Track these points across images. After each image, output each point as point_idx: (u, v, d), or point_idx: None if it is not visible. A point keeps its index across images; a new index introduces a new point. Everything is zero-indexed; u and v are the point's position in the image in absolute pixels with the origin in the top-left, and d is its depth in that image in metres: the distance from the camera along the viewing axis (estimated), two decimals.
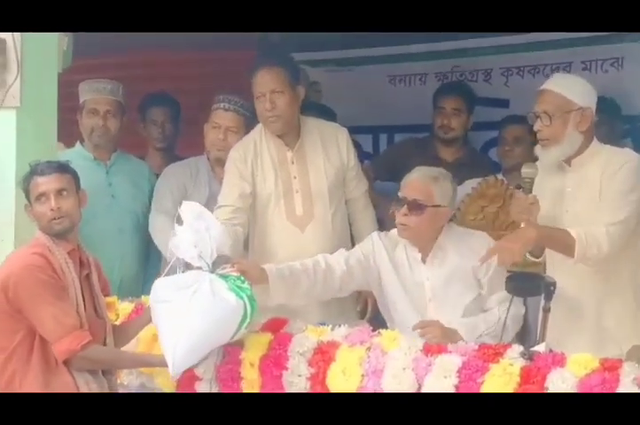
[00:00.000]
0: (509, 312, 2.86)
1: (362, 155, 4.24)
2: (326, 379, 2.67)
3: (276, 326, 2.86)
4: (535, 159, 3.09)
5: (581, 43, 4.35)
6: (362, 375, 2.63)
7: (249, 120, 3.69)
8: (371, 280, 3.19)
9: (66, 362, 2.65)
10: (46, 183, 2.73)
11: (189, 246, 2.68)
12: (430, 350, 2.62)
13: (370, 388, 2.61)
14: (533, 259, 3.07)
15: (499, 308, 3.01)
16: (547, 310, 2.75)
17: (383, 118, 4.90)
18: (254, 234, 3.52)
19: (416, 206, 3.06)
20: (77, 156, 3.61)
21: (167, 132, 4.27)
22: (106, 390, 2.72)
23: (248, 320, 2.69)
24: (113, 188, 3.83)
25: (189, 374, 2.79)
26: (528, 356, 2.52)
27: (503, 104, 4.64)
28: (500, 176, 3.88)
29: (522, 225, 2.89)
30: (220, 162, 3.70)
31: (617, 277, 3.00)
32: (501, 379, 2.47)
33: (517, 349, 2.56)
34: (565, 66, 4.46)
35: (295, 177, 3.50)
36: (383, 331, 2.75)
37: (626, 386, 2.35)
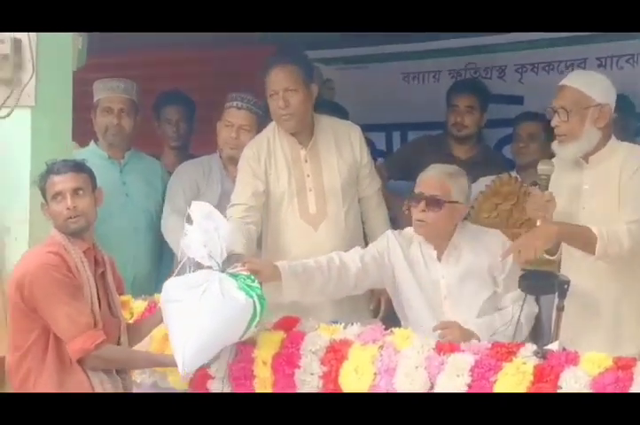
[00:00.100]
0: (522, 310, 2.86)
1: (375, 153, 4.24)
2: (339, 377, 2.67)
3: (288, 324, 2.86)
4: (549, 156, 3.08)
5: (596, 40, 4.33)
6: (375, 374, 2.63)
7: (262, 119, 3.69)
8: (386, 277, 3.19)
9: (79, 361, 2.66)
10: (62, 182, 2.74)
11: (199, 246, 2.69)
12: (443, 348, 2.61)
13: (382, 386, 2.61)
14: (548, 257, 3.05)
15: (513, 307, 3.00)
16: (561, 308, 2.74)
17: (396, 115, 4.90)
18: (268, 232, 3.52)
19: (434, 202, 3.06)
20: (91, 155, 3.61)
21: (181, 131, 4.28)
22: (121, 389, 2.74)
23: (258, 318, 2.69)
24: (127, 186, 3.85)
25: (201, 373, 2.80)
26: (542, 355, 2.51)
27: (518, 100, 4.63)
28: (514, 174, 3.87)
29: (538, 222, 2.88)
30: (232, 160, 3.71)
31: (635, 276, 2.98)
32: (514, 378, 2.46)
33: (530, 347, 2.55)
34: (580, 63, 4.44)
35: (309, 175, 3.50)
36: (395, 330, 2.75)
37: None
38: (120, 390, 2.73)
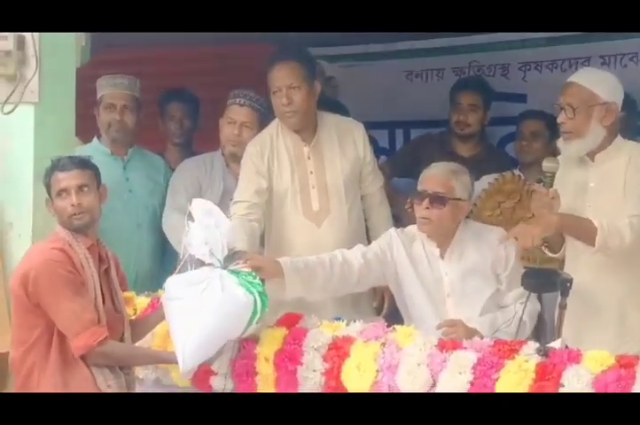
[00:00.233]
0: (525, 308, 2.86)
1: (378, 150, 4.24)
2: (341, 374, 2.68)
3: (290, 321, 2.87)
4: (552, 154, 3.07)
5: (600, 38, 4.32)
6: (377, 371, 2.64)
7: (264, 116, 3.69)
8: (389, 275, 3.20)
9: (82, 357, 2.66)
10: (67, 179, 2.74)
11: (200, 243, 2.69)
12: (445, 346, 2.62)
13: (384, 383, 2.61)
14: (550, 255, 3.06)
15: (516, 305, 3.00)
16: (563, 306, 2.74)
17: (399, 113, 4.90)
18: (271, 229, 3.52)
19: (437, 199, 3.06)
20: (94, 151, 3.62)
21: (185, 127, 4.28)
22: (124, 385, 2.74)
23: (259, 315, 2.69)
24: (130, 183, 3.85)
25: (204, 369, 2.80)
26: (544, 352, 2.51)
27: (521, 98, 4.62)
28: (517, 171, 3.87)
29: None
30: (235, 157, 3.71)
31: (638, 274, 2.98)
32: (516, 375, 2.46)
33: (532, 345, 2.55)
34: (584, 61, 4.43)
35: (312, 172, 3.50)
36: (398, 327, 2.75)
37: None
38: (124, 386, 2.73)
